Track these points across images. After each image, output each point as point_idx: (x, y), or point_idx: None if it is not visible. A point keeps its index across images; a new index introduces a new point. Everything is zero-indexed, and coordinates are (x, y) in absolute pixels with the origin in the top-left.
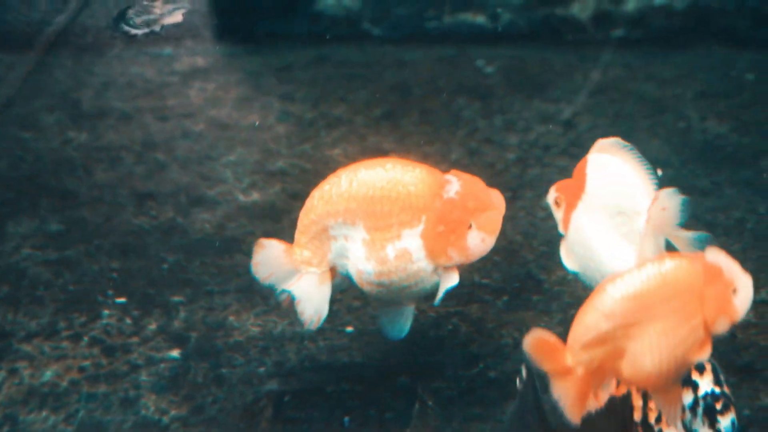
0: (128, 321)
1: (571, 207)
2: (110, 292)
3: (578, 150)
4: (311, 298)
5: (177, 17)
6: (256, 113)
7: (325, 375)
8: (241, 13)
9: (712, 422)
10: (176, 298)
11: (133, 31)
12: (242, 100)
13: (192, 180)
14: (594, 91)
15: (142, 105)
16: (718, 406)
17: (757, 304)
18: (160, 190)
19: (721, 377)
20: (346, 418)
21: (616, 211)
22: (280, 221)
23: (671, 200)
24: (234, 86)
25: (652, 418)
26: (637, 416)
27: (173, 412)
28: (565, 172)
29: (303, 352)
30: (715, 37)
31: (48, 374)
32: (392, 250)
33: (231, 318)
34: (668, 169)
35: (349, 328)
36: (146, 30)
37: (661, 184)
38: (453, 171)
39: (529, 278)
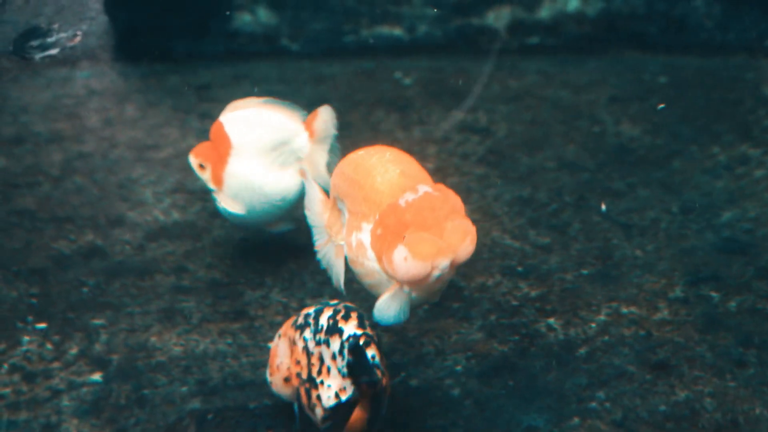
0: (49, 346)
1: (221, 164)
2: (30, 317)
3: (496, 157)
4: (332, 267)
5: (75, 40)
6: (174, 132)
7: (248, 392)
8: (155, 33)
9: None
10: (97, 321)
11: (31, 55)
12: (159, 119)
13: (111, 202)
14: (510, 98)
15: (56, 128)
16: (360, 342)
17: (671, 301)
18: (79, 214)
19: (366, 322)
20: None
21: (271, 148)
22: (201, 240)
23: (327, 113)
24: (150, 106)
25: (314, 372)
26: (305, 374)
27: None
28: (485, 180)
29: (225, 370)
30: (626, 42)
31: None
32: (355, 238)
33: (153, 339)
34: (584, 173)
35: (271, 344)
36: (44, 53)
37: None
38: (439, 185)
39: (448, 286)
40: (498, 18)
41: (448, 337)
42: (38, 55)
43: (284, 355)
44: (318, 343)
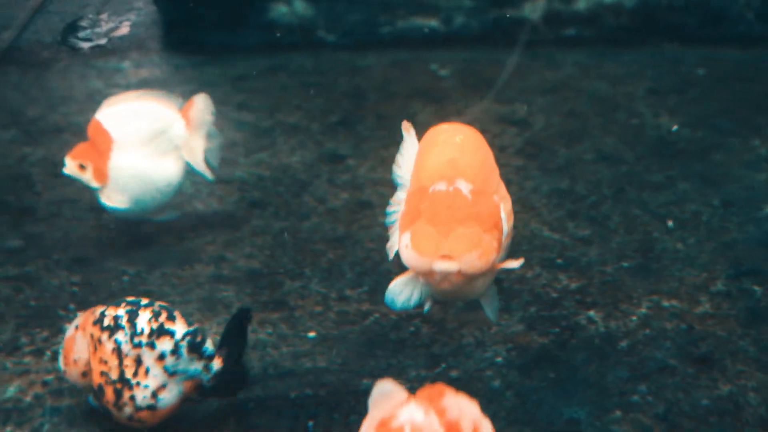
0: None
1: (104, 160)
2: (71, 305)
3: (534, 149)
4: (391, 233)
5: (124, 30)
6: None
7: (288, 381)
8: (193, 24)
9: (200, 352)
10: None
11: (80, 45)
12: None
13: None
14: (547, 90)
15: (84, 118)
16: (199, 339)
17: (713, 295)
18: None
19: (190, 319)
20: (311, 423)
21: (150, 138)
22: (240, 230)
23: (202, 101)
24: (188, 97)
25: (128, 373)
26: (114, 375)
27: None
28: (523, 171)
29: (266, 359)
30: (664, 34)
31: (11, 390)
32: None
33: None
34: (623, 165)
35: (312, 334)
36: (93, 43)
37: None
38: (495, 192)
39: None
40: (534, 9)
41: (488, 329)
42: (86, 46)
43: (83, 351)
44: (137, 346)
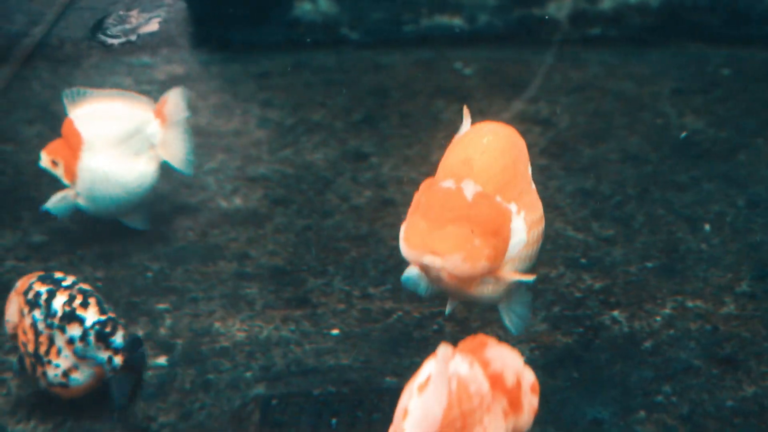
0: None
1: (74, 160)
2: None
3: (558, 148)
4: None
5: (153, 26)
6: (236, 120)
7: (311, 378)
8: (218, 21)
9: (107, 343)
10: (161, 306)
11: (110, 41)
12: (222, 107)
13: (174, 188)
14: (572, 89)
15: None
16: (108, 329)
17: (738, 296)
18: None
19: (105, 307)
20: (334, 420)
21: (122, 138)
22: (263, 227)
23: (177, 95)
24: (213, 93)
25: (41, 350)
26: (30, 348)
27: (161, 419)
28: (547, 171)
29: (289, 356)
30: (689, 34)
31: None
32: None
33: (217, 324)
34: (647, 165)
35: (335, 331)
36: (123, 39)
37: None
38: (515, 197)
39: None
40: (560, 8)
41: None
42: (116, 42)
43: (13, 315)
44: (50, 327)
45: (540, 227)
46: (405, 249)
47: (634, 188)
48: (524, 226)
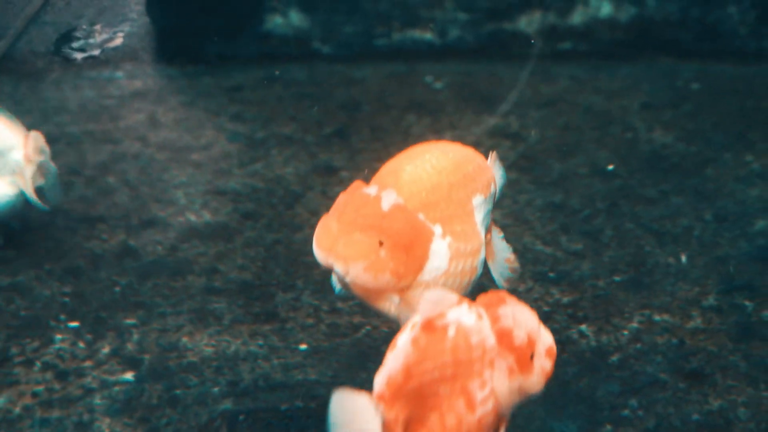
0: (81, 345)
1: None
2: (62, 316)
3: (528, 162)
4: None
5: (117, 41)
6: (206, 134)
7: (279, 393)
8: (188, 34)
9: None
10: (129, 321)
11: (74, 55)
12: (191, 121)
13: (143, 202)
14: (542, 103)
15: (89, 129)
16: None
17: (704, 309)
18: (111, 214)
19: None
20: None
21: None
22: (232, 241)
23: (35, 140)
24: (183, 107)
25: None
26: None
27: None
28: (516, 185)
29: (257, 371)
30: (659, 48)
31: (1, 401)
32: None
33: (184, 339)
34: (617, 179)
35: (303, 346)
36: (87, 54)
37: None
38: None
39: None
40: (530, 23)
41: None
42: (80, 56)
43: None
44: None
45: (470, 261)
46: (314, 249)
47: (603, 202)
48: (447, 252)
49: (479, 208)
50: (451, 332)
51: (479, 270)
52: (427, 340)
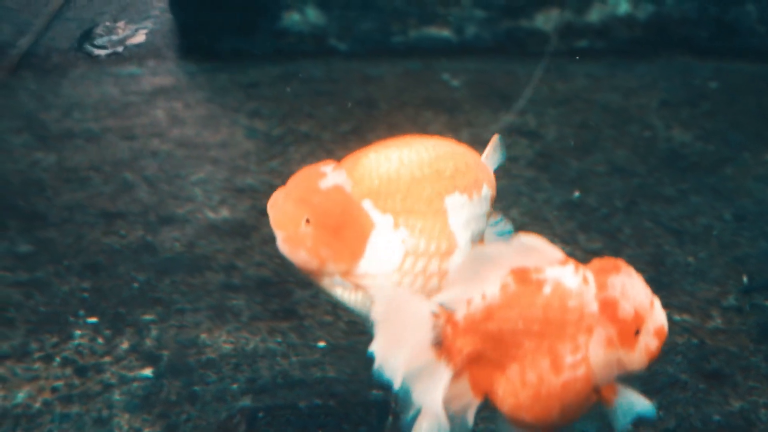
0: (100, 341)
1: None
2: (81, 312)
3: (545, 160)
4: None
5: (140, 37)
6: (223, 130)
7: (298, 390)
8: (206, 31)
9: None
10: (147, 317)
11: (97, 52)
12: (209, 117)
13: (161, 199)
14: (559, 101)
15: (109, 125)
16: None
17: (724, 309)
18: (129, 210)
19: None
20: None
21: None
22: (250, 238)
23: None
24: (201, 104)
25: None
26: None
27: (147, 431)
28: (534, 183)
29: (275, 368)
30: (677, 46)
31: (20, 396)
32: None
33: (203, 336)
34: (635, 178)
35: (321, 343)
36: (110, 50)
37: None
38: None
39: None
40: (547, 21)
41: None
42: (102, 53)
43: None
44: None
45: (436, 263)
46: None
47: (621, 200)
48: (400, 247)
49: (457, 209)
50: (547, 290)
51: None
52: (518, 290)
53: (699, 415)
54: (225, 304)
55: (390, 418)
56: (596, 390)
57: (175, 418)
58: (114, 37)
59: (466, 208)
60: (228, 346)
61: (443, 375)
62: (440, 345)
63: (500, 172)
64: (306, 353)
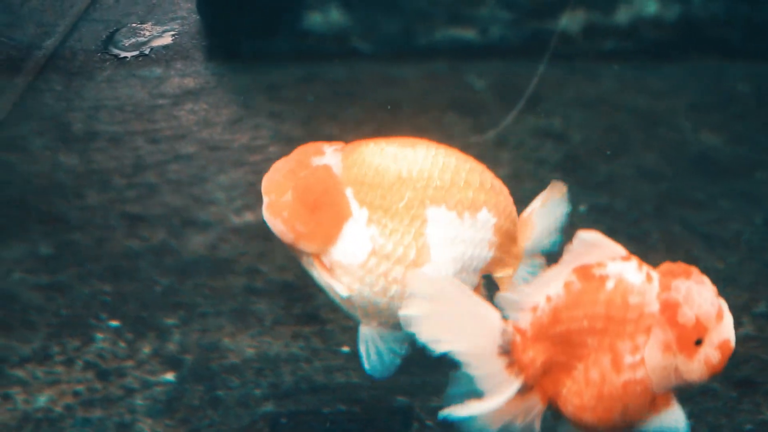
0: (122, 344)
1: None
2: (103, 315)
3: (572, 163)
4: None
5: (167, 39)
6: (246, 133)
7: (321, 396)
8: (229, 32)
9: None
10: (170, 321)
11: (123, 54)
12: (233, 119)
13: (184, 202)
14: (586, 103)
15: (133, 127)
16: None
17: (755, 316)
18: (152, 213)
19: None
20: None
21: None
22: (272, 241)
23: None
24: (225, 106)
25: None
26: None
27: None
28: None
29: (298, 373)
30: (706, 48)
31: (42, 399)
32: None
33: (225, 340)
34: (663, 182)
35: (345, 348)
36: (136, 52)
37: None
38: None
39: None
40: (573, 22)
41: None
42: (129, 54)
43: None
44: None
45: (399, 271)
46: None
47: (650, 205)
48: (367, 244)
49: (439, 222)
50: (610, 285)
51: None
52: (582, 288)
53: (731, 425)
54: (248, 308)
55: (414, 424)
56: (654, 397)
57: (197, 423)
58: (140, 39)
59: (452, 226)
60: (251, 351)
61: (511, 385)
62: (509, 354)
63: (526, 175)
64: (329, 358)
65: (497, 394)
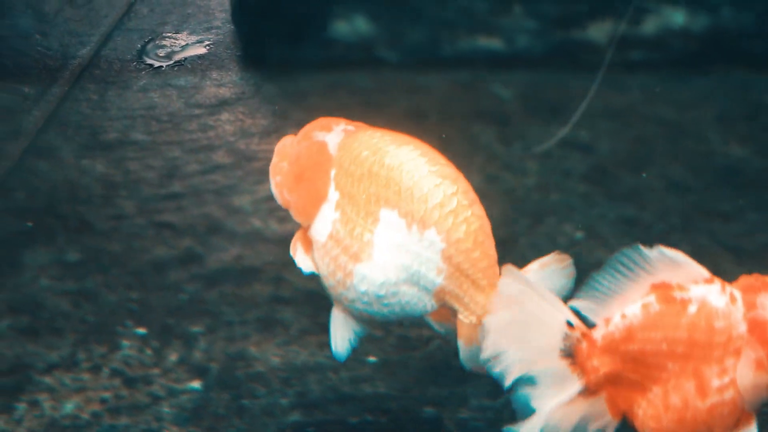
0: (148, 352)
1: None
2: (129, 322)
3: (599, 174)
4: None
5: (202, 49)
6: (272, 141)
7: (348, 406)
8: (266, 42)
9: None
10: (196, 329)
11: (159, 63)
12: (260, 127)
13: (210, 209)
14: (612, 114)
15: (167, 137)
16: None
17: None
18: (179, 221)
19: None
20: None
21: None
22: None
23: None
24: (253, 114)
25: None
26: None
27: None
28: (588, 197)
29: (325, 383)
30: (734, 59)
31: (69, 406)
32: None
33: (251, 348)
34: (690, 194)
35: (372, 358)
36: (172, 62)
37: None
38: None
39: None
40: (600, 32)
41: None
42: (165, 64)
43: None
44: None
45: (345, 261)
46: None
47: (677, 217)
48: (329, 225)
49: (389, 226)
50: (692, 309)
51: (355, 282)
52: (661, 310)
53: None
54: (274, 316)
55: None
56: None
57: (223, 431)
58: (175, 49)
59: (400, 234)
60: (277, 360)
61: (571, 386)
62: (572, 358)
63: (553, 186)
64: (356, 368)
65: (552, 390)
